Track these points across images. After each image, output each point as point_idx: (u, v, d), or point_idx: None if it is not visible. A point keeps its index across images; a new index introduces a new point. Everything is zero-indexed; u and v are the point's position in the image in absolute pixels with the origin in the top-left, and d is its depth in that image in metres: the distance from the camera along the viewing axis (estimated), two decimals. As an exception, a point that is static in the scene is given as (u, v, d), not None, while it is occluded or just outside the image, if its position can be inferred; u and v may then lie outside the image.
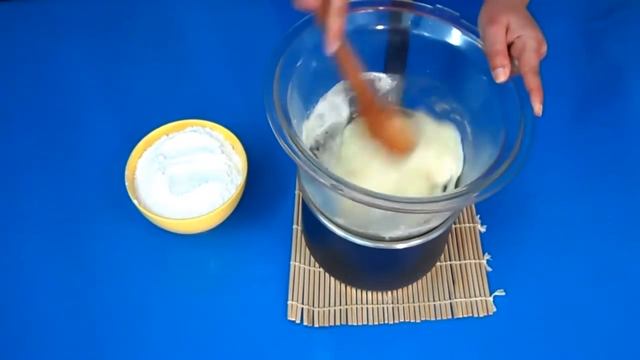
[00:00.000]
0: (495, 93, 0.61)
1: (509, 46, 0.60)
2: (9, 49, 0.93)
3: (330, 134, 0.69)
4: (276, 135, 0.54)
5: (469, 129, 0.65)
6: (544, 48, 0.60)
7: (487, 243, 0.77)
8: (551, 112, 0.78)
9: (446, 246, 0.75)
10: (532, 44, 0.59)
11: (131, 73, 0.91)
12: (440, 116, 0.69)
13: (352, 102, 0.69)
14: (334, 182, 0.52)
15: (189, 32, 0.96)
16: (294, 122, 0.58)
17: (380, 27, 0.65)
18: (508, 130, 0.58)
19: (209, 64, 0.92)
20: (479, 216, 0.79)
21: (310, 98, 0.65)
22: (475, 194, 0.53)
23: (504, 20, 0.60)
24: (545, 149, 0.76)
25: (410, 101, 0.70)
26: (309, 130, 0.66)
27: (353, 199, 0.52)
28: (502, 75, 0.59)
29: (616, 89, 0.92)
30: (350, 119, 0.69)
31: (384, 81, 0.69)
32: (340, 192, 0.52)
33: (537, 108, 0.57)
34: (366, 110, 0.63)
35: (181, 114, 0.78)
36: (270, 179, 0.80)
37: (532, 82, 0.58)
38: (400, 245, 0.63)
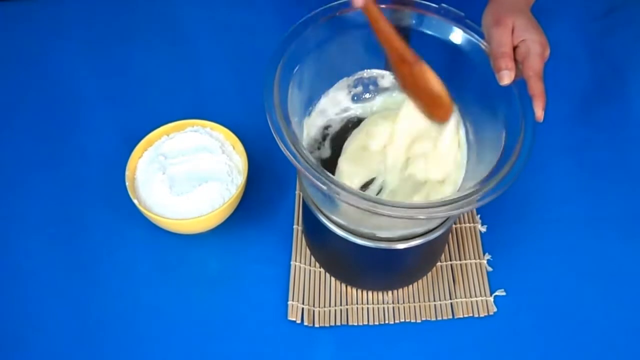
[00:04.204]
0: (497, 95, 0.60)
1: (514, 49, 0.60)
2: (9, 49, 0.93)
3: (332, 128, 0.69)
4: (276, 138, 0.54)
5: (470, 130, 0.65)
6: (547, 52, 0.60)
7: (487, 243, 0.77)
8: (551, 112, 0.78)
9: (447, 246, 0.75)
10: (536, 49, 0.59)
11: (131, 73, 0.91)
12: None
13: (354, 98, 0.69)
14: (331, 186, 0.52)
15: (189, 32, 0.96)
16: (295, 120, 0.58)
17: None
18: (509, 132, 0.58)
19: (209, 64, 0.92)
20: (479, 216, 0.79)
21: (311, 96, 0.65)
22: (476, 199, 0.53)
23: (509, 23, 0.60)
24: (545, 149, 0.76)
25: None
26: (310, 127, 0.66)
27: (349, 204, 0.52)
28: (506, 77, 0.59)
29: (616, 89, 0.92)
30: (354, 116, 0.69)
31: (387, 79, 0.69)
32: (337, 196, 0.52)
33: (539, 114, 0.57)
34: (399, 63, 0.60)
35: (181, 114, 0.78)
36: (271, 179, 0.80)
37: (536, 88, 0.58)
38: (401, 245, 0.63)
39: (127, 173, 0.73)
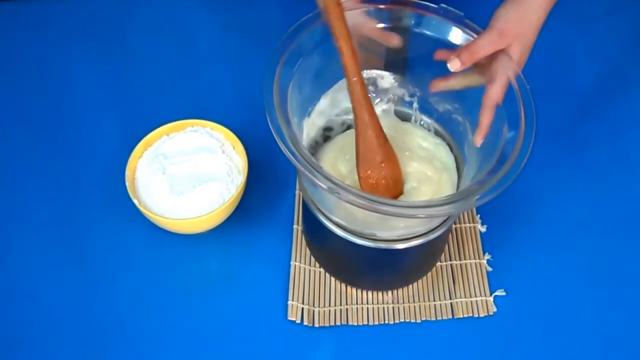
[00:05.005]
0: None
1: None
2: (9, 49, 0.93)
3: (332, 128, 0.69)
4: (276, 138, 0.54)
5: (470, 130, 0.65)
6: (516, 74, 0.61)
7: (487, 243, 0.77)
8: (551, 112, 0.78)
9: (446, 246, 0.75)
10: (505, 80, 0.59)
11: (131, 73, 0.91)
12: (442, 117, 0.69)
13: None
14: (331, 185, 0.52)
15: (189, 32, 0.96)
16: (295, 120, 0.58)
17: (381, 25, 0.65)
18: (508, 131, 0.58)
19: (209, 63, 0.92)
20: (479, 216, 0.79)
21: (311, 96, 0.65)
22: (475, 198, 0.53)
23: (508, 38, 0.60)
24: (545, 148, 0.76)
25: (411, 101, 0.70)
26: (310, 127, 0.66)
27: (350, 203, 0.52)
28: (454, 66, 0.59)
29: (616, 89, 0.92)
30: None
31: (386, 79, 0.69)
32: (337, 195, 0.52)
33: (478, 142, 0.60)
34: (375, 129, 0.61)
35: (181, 114, 0.78)
36: (271, 179, 0.80)
37: (485, 119, 0.59)
38: (401, 245, 0.63)
39: (127, 173, 0.73)
